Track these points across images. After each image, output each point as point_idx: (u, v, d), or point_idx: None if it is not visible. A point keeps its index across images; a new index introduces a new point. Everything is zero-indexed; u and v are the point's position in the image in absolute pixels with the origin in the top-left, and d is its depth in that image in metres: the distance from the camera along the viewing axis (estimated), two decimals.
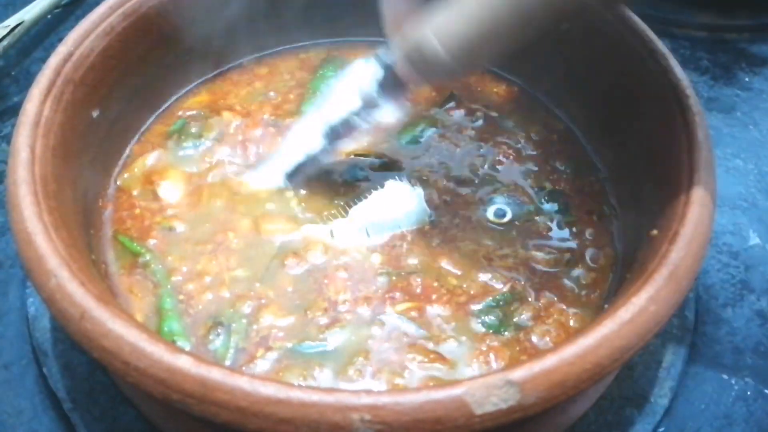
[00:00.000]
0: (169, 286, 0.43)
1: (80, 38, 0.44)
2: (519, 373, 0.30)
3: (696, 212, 0.36)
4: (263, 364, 0.40)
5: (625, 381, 0.43)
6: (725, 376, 0.45)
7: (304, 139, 0.47)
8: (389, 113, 0.44)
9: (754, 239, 0.52)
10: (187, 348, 0.40)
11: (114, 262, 0.44)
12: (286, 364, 0.40)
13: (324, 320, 0.41)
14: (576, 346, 0.31)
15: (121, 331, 0.31)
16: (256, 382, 0.30)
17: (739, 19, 0.67)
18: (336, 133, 0.45)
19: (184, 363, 0.30)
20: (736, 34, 0.67)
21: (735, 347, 0.46)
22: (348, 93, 0.44)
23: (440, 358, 0.40)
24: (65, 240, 0.35)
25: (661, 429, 0.42)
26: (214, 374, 0.30)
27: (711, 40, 0.66)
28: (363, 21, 0.55)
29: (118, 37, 0.46)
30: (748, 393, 0.44)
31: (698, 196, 0.37)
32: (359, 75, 0.43)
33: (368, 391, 0.30)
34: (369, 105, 0.43)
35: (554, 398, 0.30)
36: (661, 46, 0.44)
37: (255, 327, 0.41)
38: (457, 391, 0.29)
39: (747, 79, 0.63)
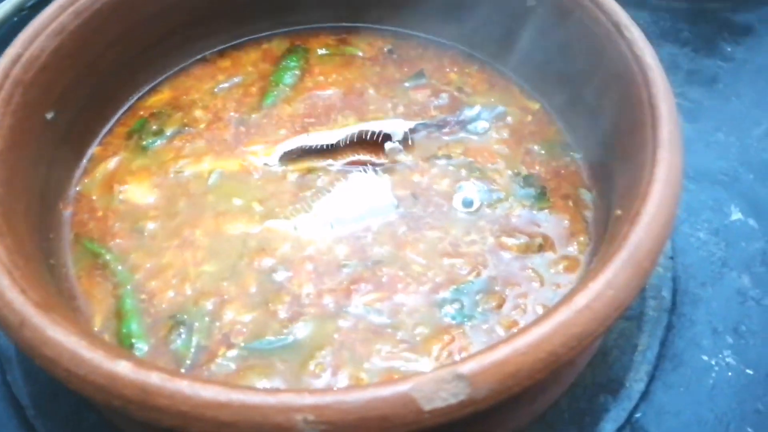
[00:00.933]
0: (129, 287, 0.42)
1: (30, 39, 0.43)
2: (468, 366, 0.29)
3: (658, 191, 0.35)
4: (224, 363, 0.39)
5: (599, 366, 0.42)
6: (705, 357, 0.43)
7: None
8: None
9: (736, 214, 0.50)
10: (146, 349, 0.39)
11: (73, 265, 0.43)
12: (248, 362, 0.39)
13: (287, 314, 0.41)
14: (529, 335, 0.30)
15: (61, 338, 0.30)
16: (196, 385, 0.29)
17: None
18: None
19: (123, 369, 0.29)
20: (718, 3, 0.64)
21: (714, 328, 0.44)
22: None
23: (409, 348, 0.39)
24: (10, 246, 0.35)
25: (638, 414, 0.41)
26: (154, 379, 0.29)
27: (692, 11, 0.64)
28: (324, 5, 0.54)
29: (70, 37, 0.45)
30: (730, 374, 0.43)
31: (662, 174, 0.35)
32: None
33: (311, 391, 0.29)
34: None
35: (507, 390, 0.29)
36: (626, 18, 0.42)
37: (218, 324, 0.40)
38: (404, 388, 0.28)
39: (729, 50, 0.61)
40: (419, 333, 0.40)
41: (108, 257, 0.43)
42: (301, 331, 0.40)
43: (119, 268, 0.43)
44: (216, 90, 0.52)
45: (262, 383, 0.38)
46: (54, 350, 0.30)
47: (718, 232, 0.49)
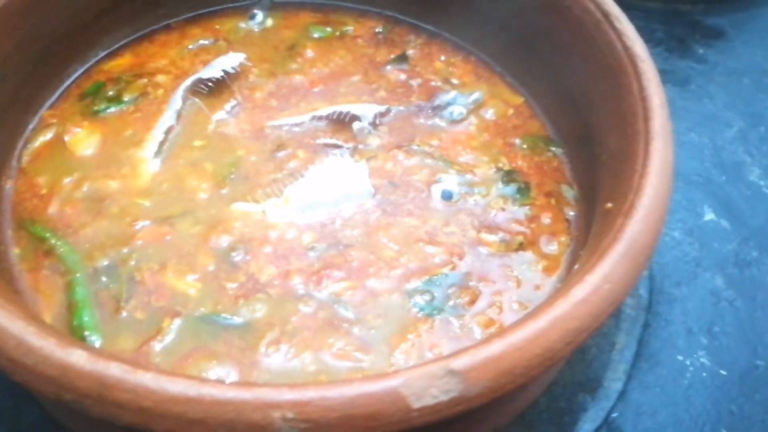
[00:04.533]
0: (79, 274, 0.38)
1: None
2: (462, 361, 0.27)
3: (653, 183, 0.33)
4: (170, 337, 0.36)
5: (577, 365, 0.40)
6: (680, 357, 0.43)
7: None
8: None
9: (709, 214, 0.50)
10: (98, 343, 0.36)
11: (14, 243, 0.39)
12: (193, 336, 0.36)
13: (241, 294, 0.38)
14: (525, 329, 0.28)
15: (4, 323, 0.27)
16: (162, 378, 0.26)
17: None
18: None
19: (78, 358, 0.26)
20: (691, 6, 0.65)
21: (689, 328, 0.44)
22: None
23: (362, 346, 0.37)
24: None
25: (615, 414, 0.40)
26: (113, 370, 0.26)
27: (666, 12, 0.64)
28: None
29: None
30: (704, 374, 0.42)
31: (656, 166, 0.34)
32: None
33: (291, 386, 0.26)
34: None
35: (502, 387, 0.27)
36: (615, 8, 0.42)
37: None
38: (393, 383, 0.26)
39: (701, 51, 0.61)
40: (381, 327, 0.38)
41: (54, 241, 0.39)
42: (253, 312, 0.38)
43: (67, 248, 0.39)
44: (184, 51, 0.49)
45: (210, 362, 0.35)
46: None
47: (692, 232, 0.49)
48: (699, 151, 0.54)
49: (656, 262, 0.47)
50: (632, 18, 0.62)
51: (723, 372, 0.42)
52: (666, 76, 0.59)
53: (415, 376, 0.26)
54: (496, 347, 0.27)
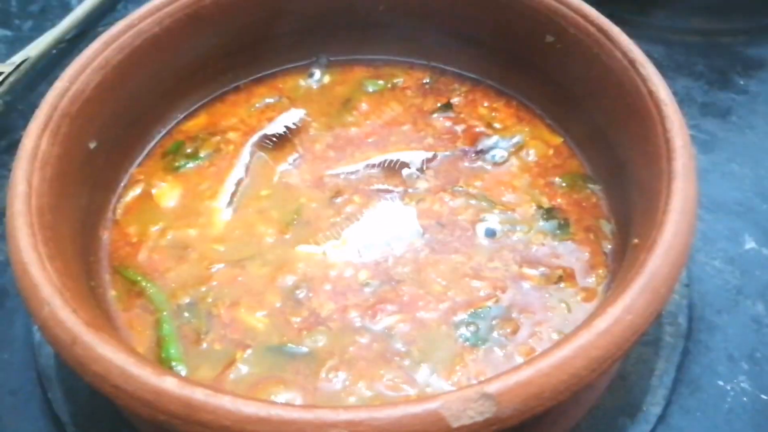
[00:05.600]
0: (165, 312, 0.44)
1: (76, 73, 0.46)
2: (495, 386, 0.31)
3: (674, 220, 0.36)
4: (243, 366, 0.41)
5: (617, 390, 0.43)
6: (721, 383, 0.44)
7: None
8: None
9: (750, 243, 0.51)
10: (184, 373, 0.41)
11: (111, 287, 0.45)
12: (263, 365, 0.41)
13: (304, 327, 0.43)
14: (552, 357, 0.31)
15: (110, 355, 0.32)
16: (238, 401, 0.30)
17: (734, 22, 0.67)
18: None
19: (169, 385, 0.31)
20: (732, 37, 0.66)
21: (730, 354, 0.45)
22: None
23: (411, 379, 0.41)
24: (59, 269, 0.37)
25: None
26: (198, 395, 0.31)
27: (706, 45, 0.65)
28: (363, 39, 0.57)
29: (113, 71, 0.48)
30: (745, 399, 0.44)
31: (677, 204, 0.37)
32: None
33: (346, 407, 0.30)
34: None
35: (531, 410, 0.31)
36: (640, 55, 0.44)
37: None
38: (434, 405, 0.30)
39: (743, 83, 0.62)
40: (429, 359, 0.41)
41: (144, 283, 0.45)
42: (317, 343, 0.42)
43: (155, 290, 0.45)
44: (252, 110, 0.55)
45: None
46: (104, 367, 0.32)
47: (733, 261, 0.50)
48: (740, 182, 0.55)
49: (697, 291, 0.48)
50: (673, 53, 0.65)
51: (764, 396, 0.44)
52: (707, 108, 0.61)
53: (452, 399, 0.30)
54: (525, 373, 0.31)
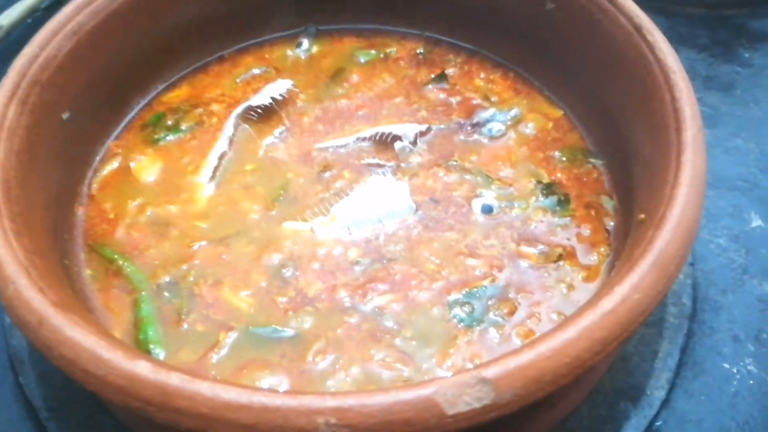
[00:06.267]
0: (144, 293, 0.41)
1: (47, 39, 0.43)
2: (492, 370, 0.28)
3: (684, 194, 0.34)
4: (226, 349, 0.39)
5: (619, 373, 0.41)
6: (726, 365, 0.43)
7: None
8: None
9: (756, 221, 0.49)
10: (162, 356, 0.39)
11: (86, 265, 0.43)
12: (247, 348, 0.39)
13: (290, 307, 0.41)
14: (554, 340, 0.29)
15: (79, 338, 0.30)
16: (217, 387, 0.28)
17: None
18: None
19: (143, 369, 0.29)
20: (736, 10, 0.64)
21: (735, 335, 0.44)
22: None
23: (404, 357, 0.39)
24: (27, 246, 0.34)
25: (659, 423, 0.40)
26: (173, 380, 0.28)
27: (710, 17, 0.63)
28: (356, 7, 0.54)
29: (87, 37, 0.45)
30: (751, 382, 0.42)
31: (686, 177, 0.35)
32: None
33: (333, 393, 0.28)
34: None
35: (531, 395, 0.29)
36: (647, 21, 0.42)
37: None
38: (427, 391, 0.28)
39: (747, 56, 0.60)
40: (422, 337, 0.39)
41: (121, 261, 0.43)
42: (303, 324, 0.40)
43: (133, 268, 0.42)
44: (237, 81, 0.52)
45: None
46: (72, 350, 0.30)
47: (737, 239, 0.48)
48: (744, 157, 0.53)
49: (701, 270, 0.47)
50: (675, 25, 0.63)
51: None
52: (710, 82, 0.59)
53: (447, 385, 0.28)
54: (525, 357, 0.29)
